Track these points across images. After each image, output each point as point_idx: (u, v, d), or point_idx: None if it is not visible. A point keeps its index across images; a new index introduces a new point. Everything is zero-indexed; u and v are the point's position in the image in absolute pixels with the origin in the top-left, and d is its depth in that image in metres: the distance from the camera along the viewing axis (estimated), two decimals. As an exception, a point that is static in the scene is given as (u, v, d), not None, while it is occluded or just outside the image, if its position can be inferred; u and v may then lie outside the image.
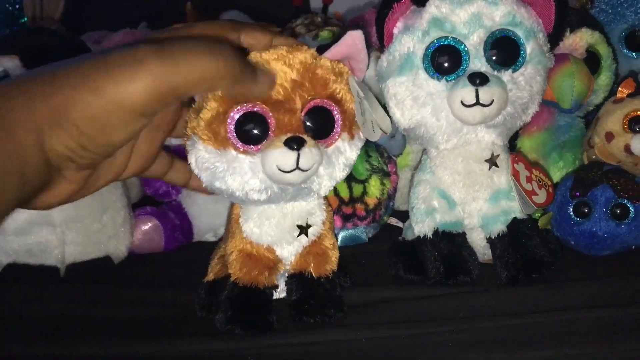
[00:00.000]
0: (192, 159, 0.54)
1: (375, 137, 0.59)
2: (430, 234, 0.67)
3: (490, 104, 0.60)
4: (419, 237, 0.68)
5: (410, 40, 0.64)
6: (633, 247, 0.69)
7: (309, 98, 0.53)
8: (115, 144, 0.41)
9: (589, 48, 0.79)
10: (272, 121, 0.52)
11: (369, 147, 0.80)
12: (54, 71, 0.38)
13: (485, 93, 0.59)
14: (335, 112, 0.55)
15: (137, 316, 0.64)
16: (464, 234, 0.67)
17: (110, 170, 0.45)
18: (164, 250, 0.82)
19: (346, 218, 0.79)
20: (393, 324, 0.58)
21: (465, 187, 0.66)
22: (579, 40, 0.78)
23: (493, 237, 0.66)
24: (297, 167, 0.51)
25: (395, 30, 0.66)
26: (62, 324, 0.62)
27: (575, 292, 0.60)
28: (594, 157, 0.75)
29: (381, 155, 0.81)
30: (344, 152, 0.57)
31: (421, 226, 0.68)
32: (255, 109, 0.51)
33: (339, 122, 0.55)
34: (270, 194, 0.55)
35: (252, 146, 0.52)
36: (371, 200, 0.79)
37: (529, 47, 0.62)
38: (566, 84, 0.73)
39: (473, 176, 0.66)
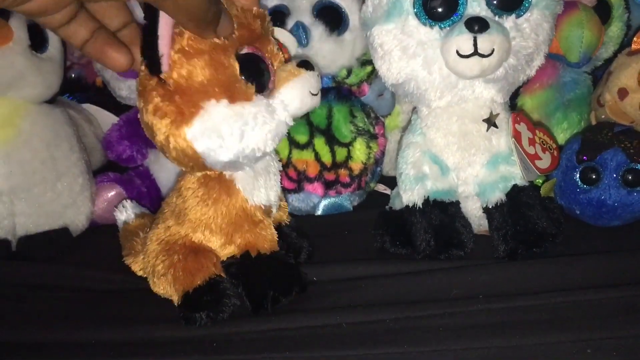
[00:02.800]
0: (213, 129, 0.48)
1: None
2: (420, 203, 0.60)
3: (490, 54, 0.53)
4: (407, 206, 0.62)
5: None
6: (645, 217, 0.62)
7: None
8: None
9: (600, -5, 0.71)
10: (267, 59, 0.51)
11: (353, 107, 0.73)
12: None
13: (484, 41, 0.53)
14: None
15: (92, 296, 0.58)
16: (457, 203, 0.61)
17: None
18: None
19: (328, 185, 0.73)
20: (377, 306, 0.52)
21: (460, 151, 0.60)
22: (589, -16, 0.70)
23: (490, 207, 0.60)
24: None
25: None
26: (9, 305, 0.57)
27: (581, 269, 0.55)
28: (603, 116, 0.68)
29: (367, 115, 0.74)
30: None
31: (410, 194, 0.61)
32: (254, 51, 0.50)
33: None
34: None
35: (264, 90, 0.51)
36: (356, 166, 0.72)
37: None
38: (574, 35, 0.66)
39: (469, 138, 0.59)
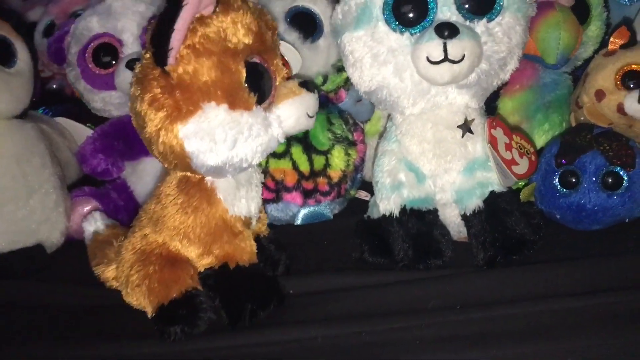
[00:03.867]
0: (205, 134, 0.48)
1: None
2: (397, 212, 0.59)
3: (461, 59, 0.52)
4: (384, 215, 0.61)
5: None
6: (627, 219, 0.61)
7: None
8: None
9: (578, -6, 0.70)
10: (272, 71, 0.52)
11: (331, 114, 0.71)
12: None
13: (454, 47, 0.51)
14: None
15: (69, 313, 0.57)
16: (435, 210, 0.60)
17: None
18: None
19: (307, 194, 0.71)
20: (353, 318, 0.52)
21: (435, 158, 0.59)
22: (565, -15, 0.69)
23: (468, 214, 0.59)
24: None
25: None
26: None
27: (561, 276, 0.54)
28: (582, 118, 0.66)
29: (346, 122, 0.73)
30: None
31: (387, 203, 0.60)
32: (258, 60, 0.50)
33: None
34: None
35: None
36: (335, 173, 0.71)
37: None
38: (551, 36, 0.65)
39: (444, 145, 0.58)
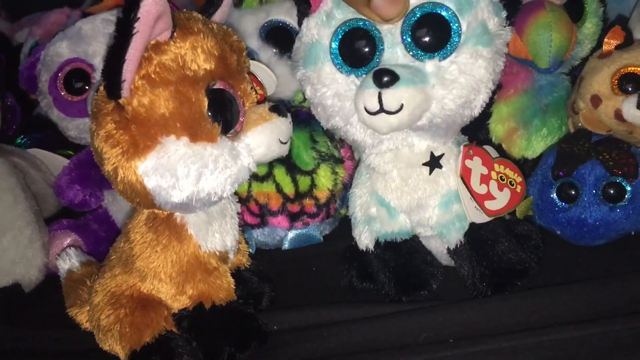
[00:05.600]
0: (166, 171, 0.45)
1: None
2: (371, 246, 0.56)
3: (399, 110, 0.47)
4: (361, 250, 0.58)
5: (314, 25, 0.52)
6: (633, 232, 0.57)
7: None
8: None
9: (570, -10, 0.66)
10: (239, 97, 0.49)
11: (314, 131, 0.68)
12: None
13: (388, 97, 0.47)
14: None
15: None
16: (413, 238, 0.56)
17: None
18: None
19: (293, 217, 0.68)
20: (338, 357, 0.49)
21: (405, 195, 0.55)
22: (556, -19, 0.64)
23: (452, 248, 0.55)
24: None
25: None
26: None
27: (562, 300, 0.50)
28: (579, 124, 0.62)
29: (331, 139, 0.69)
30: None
31: (360, 237, 0.58)
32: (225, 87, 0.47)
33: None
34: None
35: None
36: (322, 194, 0.68)
37: (464, 24, 0.48)
38: (542, 38, 0.61)
39: (412, 182, 0.54)
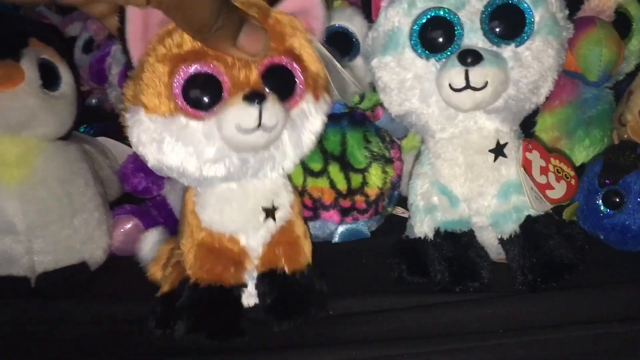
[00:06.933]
0: (133, 134, 0.48)
1: (349, 100, 0.55)
2: (431, 235, 0.59)
3: (484, 87, 0.51)
4: (419, 238, 0.60)
5: (395, 14, 0.56)
6: (674, 240, 0.60)
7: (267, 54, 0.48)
8: None
9: (618, 8, 0.69)
10: (226, 81, 0.46)
11: (367, 132, 0.71)
12: None
13: (476, 74, 0.51)
14: (296, 70, 0.49)
15: (114, 329, 0.58)
16: (470, 232, 0.59)
17: None
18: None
19: (344, 212, 0.71)
20: (395, 340, 0.51)
21: (468, 182, 0.58)
22: (606, 0, 0.67)
23: (505, 238, 0.58)
24: (260, 125, 0.46)
25: (384, 3, 0.58)
26: (33, 344, 0.56)
27: (607, 298, 0.53)
28: (625, 136, 0.65)
29: (382, 139, 0.73)
30: (309, 115, 0.51)
31: (420, 226, 0.60)
32: (205, 69, 0.46)
33: (300, 81, 0.50)
34: (229, 166, 0.49)
35: (205, 111, 0.46)
36: (372, 191, 0.71)
37: (537, 15, 0.53)
38: (592, 53, 0.64)
39: (476, 169, 0.58)
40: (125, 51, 0.47)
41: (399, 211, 0.78)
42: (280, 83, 0.49)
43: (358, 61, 0.69)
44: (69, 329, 0.59)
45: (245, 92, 0.45)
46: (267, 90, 0.47)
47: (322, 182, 0.70)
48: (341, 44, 0.68)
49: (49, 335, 0.58)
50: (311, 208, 0.71)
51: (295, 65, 0.49)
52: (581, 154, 0.71)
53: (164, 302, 0.55)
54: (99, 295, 0.66)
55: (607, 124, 0.71)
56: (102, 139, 0.79)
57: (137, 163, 0.74)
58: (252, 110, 0.45)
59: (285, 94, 0.49)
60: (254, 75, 0.47)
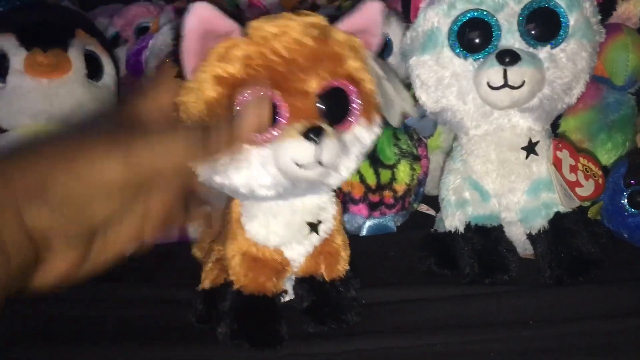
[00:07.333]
0: None
1: (397, 122, 0.53)
2: (461, 229, 0.61)
3: (521, 85, 0.54)
4: (450, 231, 0.62)
5: (435, 15, 0.58)
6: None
7: (327, 78, 0.46)
8: (97, 222, 0.40)
9: (644, 16, 0.71)
10: (283, 107, 0.44)
11: (397, 130, 0.73)
12: (33, 146, 0.40)
13: (514, 74, 0.53)
14: (353, 94, 0.47)
15: (137, 317, 0.59)
16: (500, 227, 0.61)
17: (117, 241, 0.42)
18: (178, 240, 0.76)
19: (373, 206, 0.73)
20: (425, 330, 0.53)
21: (499, 178, 0.60)
22: (632, 8, 0.71)
23: (533, 233, 0.60)
24: (318, 162, 0.44)
25: (422, 4, 0.60)
26: (60, 326, 0.58)
27: (631, 294, 0.54)
28: (650, 140, 0.67)
29: (411, 137, 0.75)
30: (362, 139, 0.49)
31: (452, 220, 0.62)
32: (263, 94, 0.44)
33: (356, 106, 0.48)
34: (281, 190, 0.47)
35: (261, 136, 0.45)
36: (400, 187, 0.73)
37: (572, 19, 0.55)
38: (619, 58, 0.66)
39: (508, 165, 0.60)
40: (179, 63, 0.45)
41: (423, 208, 0.80)
42: (336, 107, 0.47)
43: (391, 60, 0.71)
44: (105, 310, 0.60)
45: (304, 127, 0.44)
46: (322, 116, 0.46)
47: (352, 177, 0.72)
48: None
49: (85, 316, 0.60)
50: (340, 202, 0.72)
51: (352, 88, 0.47)
52: (603, 157, 0.73)
53: (205, 299, 0.56)
54: (133, 278, 0.67)
55: (629, 128, 0.73)
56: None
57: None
58: (310, 147, 0.43)
59: (340, 118, 0.47)
60: (311, 101, 0.45)
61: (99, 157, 0.39)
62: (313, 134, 0.43)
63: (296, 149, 0.44)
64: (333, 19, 0.47)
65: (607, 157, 0.73)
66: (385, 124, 0.71)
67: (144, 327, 0.57)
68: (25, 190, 0.37)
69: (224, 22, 0.43)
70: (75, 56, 0.64)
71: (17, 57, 0.62)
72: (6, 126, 0.65)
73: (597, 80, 0.70)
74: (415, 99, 0.64)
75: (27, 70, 0.61)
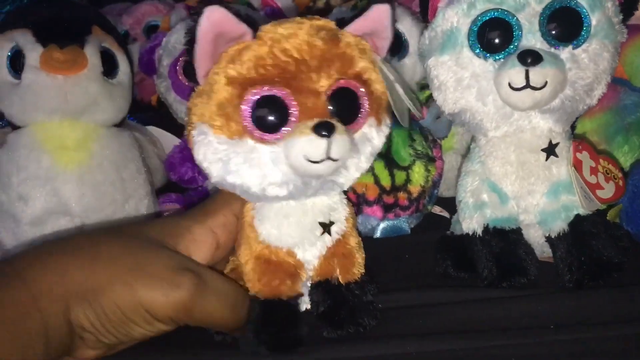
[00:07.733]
0: (199, 152, 0.48)
1: (406, 123, 0.54)
2: (479, 231, 0.60)
3: (543, 86, 0.53)
4: (467, 234, 0.62)
5: (454, 14, 0.57)
6: None
7: (336, 78, 0.47)
8: (135, 337, 0.46)
9: (663, 18, 0.70)
10: (294, 105, 0.46)
11: (412, 131, 0.73)
12: (97, 250, 0.45)
13: (536, 74, 0.52)
14: (363, 95, 0.49)
15: None
16: (518, 229, 0.61)
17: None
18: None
19: (387, 208, 0.73)
20: (445, 334, 0.52)
21: (518, 180, 0.59)
22: (652, 9, 0.69)
23: (553, 236, 0.59)
24: (328, 157, 0.45)
25: (441, 4, 0.59)
26: None
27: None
28: (669, 142, 0.66)
29: (425, 138, 0.74)
30: (372, 139, 0.51)
31: (469, 222, 0.61)
32: (274, 92, 0.46)
33: (365, 106, 0.49)
34: (292, 188, 0.48)
35: (272, 134, 0.46)
36: (415, 189, 0.73)
37: (594, 19, 0.55)
38: (639, 60, 0.65)
39: (528, 167, 0.59)
40: (192, 66, 0.47)
41: (437, 210, 0.80)
42: (346, 107, 0.48)
43: (407, 60, 0.71)
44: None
45: (314, 123, 0.45)
46: (332, 116, 0.47)
47: (367, 178, 0.71)
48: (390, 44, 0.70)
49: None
50: (355, 203, 0.72)
51: (362, 89, 0.49)
52: (620, 160, 0.72)
53: None
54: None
55: (647, 130, 0.73)
56: (151, 128, 0.81)
57: (184, 153, 0.76)
58: (321, 142, 0.45)
59: (349, 118, 0.49)
60: (322, 101, 0.46)
61: (159, 291, 0.44)
62: (323, 129, 0.45)
63: (307, 145, 0.45)
64: (342, 22, 0.49)
65: (623, 159, 0.72)
66: (399, 125, 0.72)
67: (163, 335, 0.56)
68: (80, 290, 0.42)
69: (237, 26, 0.45)
70: (91, 53, 0.63)
71: (33, 53, 0.61)
72: (20, 123, 0.65)
73: (615, 82, 0.69)
74: (432, 99, 0.64)
75: (43, 67, 0.61)
